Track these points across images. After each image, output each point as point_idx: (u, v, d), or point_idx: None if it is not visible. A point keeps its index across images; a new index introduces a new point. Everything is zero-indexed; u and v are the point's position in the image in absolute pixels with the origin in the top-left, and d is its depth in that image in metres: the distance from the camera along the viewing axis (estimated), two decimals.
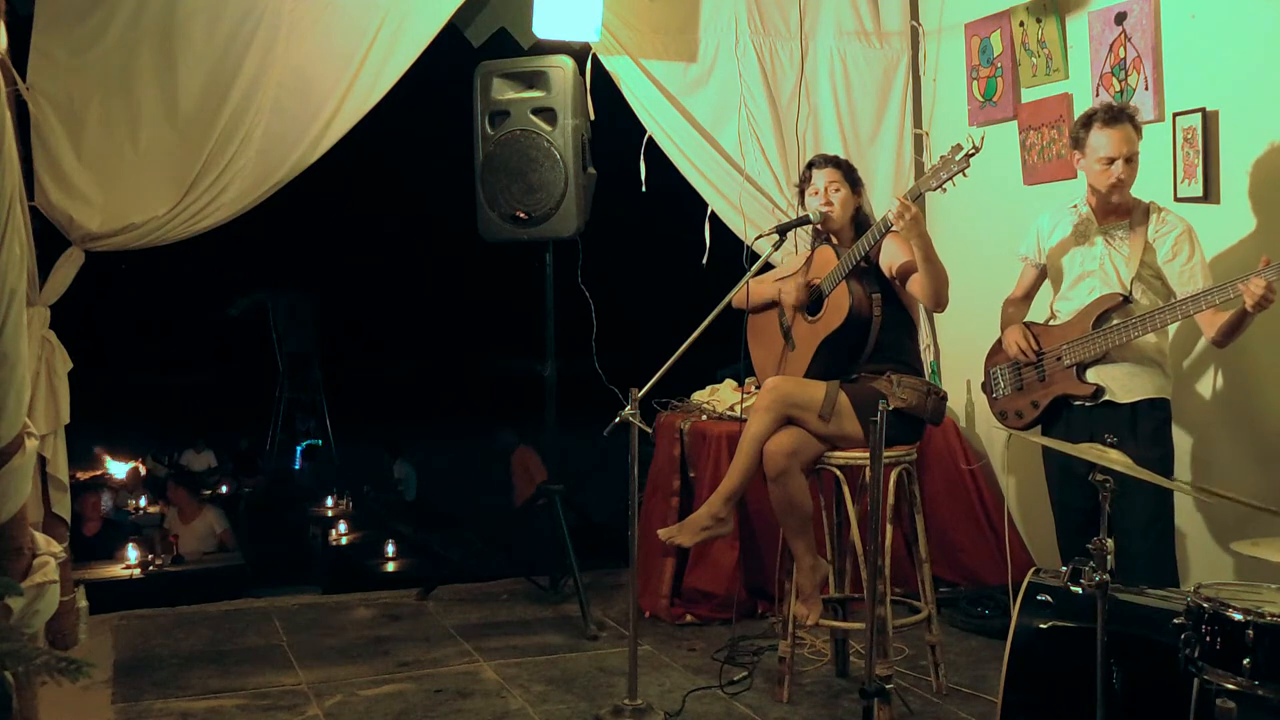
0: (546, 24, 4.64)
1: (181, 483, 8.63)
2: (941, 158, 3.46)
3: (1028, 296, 3.99)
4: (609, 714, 3.55)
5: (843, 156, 4.06)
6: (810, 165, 3.94)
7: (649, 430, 4.33)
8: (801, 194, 3.94)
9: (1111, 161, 3.54)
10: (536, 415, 5.12)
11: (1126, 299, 3.59)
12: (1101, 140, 3.55)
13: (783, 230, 3.93)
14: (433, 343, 26.12)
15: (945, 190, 3.51)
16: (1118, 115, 3.57)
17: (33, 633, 2.55)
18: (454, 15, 4.61)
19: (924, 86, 5.32)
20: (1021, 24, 4.70)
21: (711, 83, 5.11)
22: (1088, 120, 3.61)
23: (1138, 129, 3.59)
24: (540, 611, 4.78)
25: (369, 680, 3.95)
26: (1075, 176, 4.44)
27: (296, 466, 13.85)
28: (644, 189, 5.03)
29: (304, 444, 14.59)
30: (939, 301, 3.63)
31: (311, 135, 4.45)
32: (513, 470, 10.27)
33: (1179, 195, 3.96)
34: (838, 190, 3.83)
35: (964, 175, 3.44)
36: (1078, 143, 3.64)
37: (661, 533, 3.73)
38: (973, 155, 3.40)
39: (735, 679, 3.88)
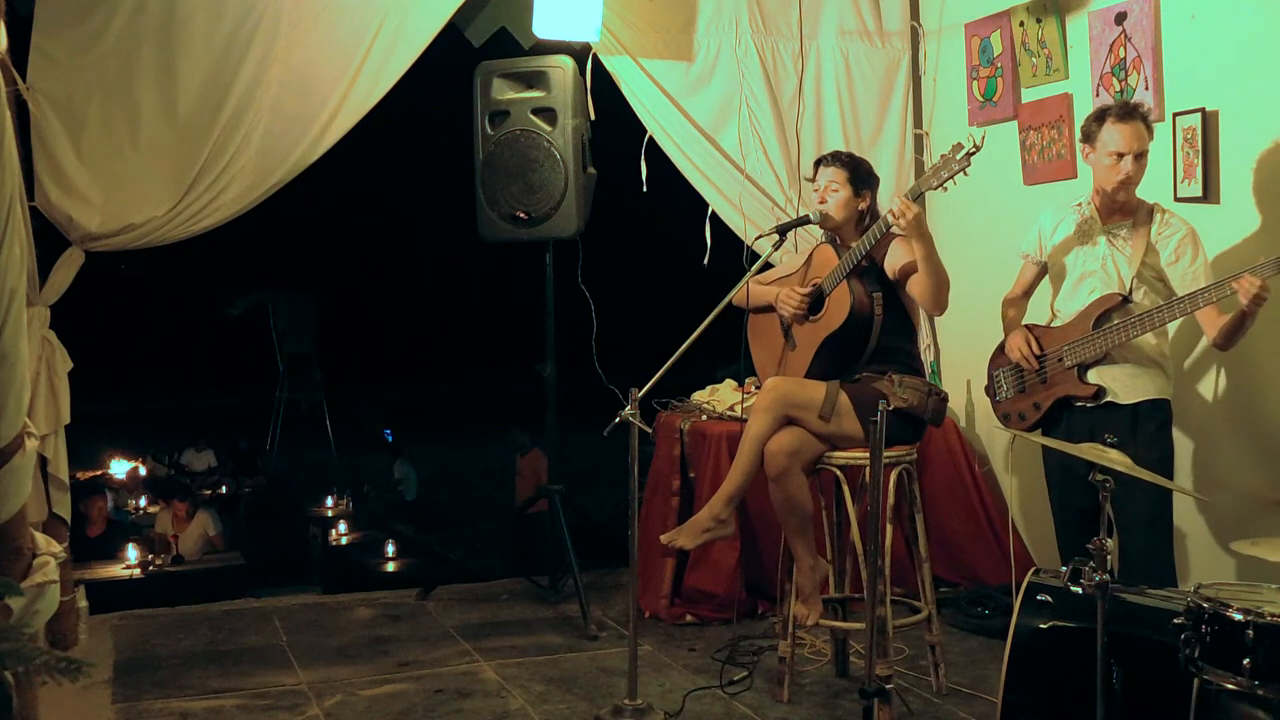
0: (546, 24, 4.64)
1: (184, 499, 8.61)
2: (942, 156, 3.46)
3: (1027, 294, 3.99)
4: (609, 714, 3.54)
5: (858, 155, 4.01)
6: (818, 162, 3.93)
7: (649, 430, 4.33)
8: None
9: (1121, 157, 3.54)
10: (538, 417, 5.12)
11: (1126, 299, 3.59)
12: (1113, 135, 3.55)
13: (783, 230, 3.92)
14: (432, 343, 26.13)
15: (946, 189, 3.51)
16: (1131, 112, 3.58)
17: (33, 633, 2.55)
18: (454, 15, 4.61)
19: (924, 86, 5.33)
20: (1021, 24, 4.70)
21: (713, 82, 5.11)
22: (1101, 115, 3.61)
23: (1149, 128, 3.60)
24: (540, 611, 4.78)
25: (369, 680, 3.95)
26: (1075, 176, 4.44)
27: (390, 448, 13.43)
28: (644, 189, 5.03)
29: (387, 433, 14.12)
30: (938, 303, 3.62)
31: (312, 135, 4.45)
32: (519, 472, 10.25)
33: (1179, 195, 3.96)
34: (835, 191, 3.82)
35: (965, 174, 3.44)
36: (1088, 137, 3.64)
37: (663, 537, 3.72)
38: (973, 154, 3.40)
39: (735, 679, 3.88)
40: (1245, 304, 3.31)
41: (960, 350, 5.16)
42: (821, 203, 3.83)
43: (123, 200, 4.23)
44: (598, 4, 4.68)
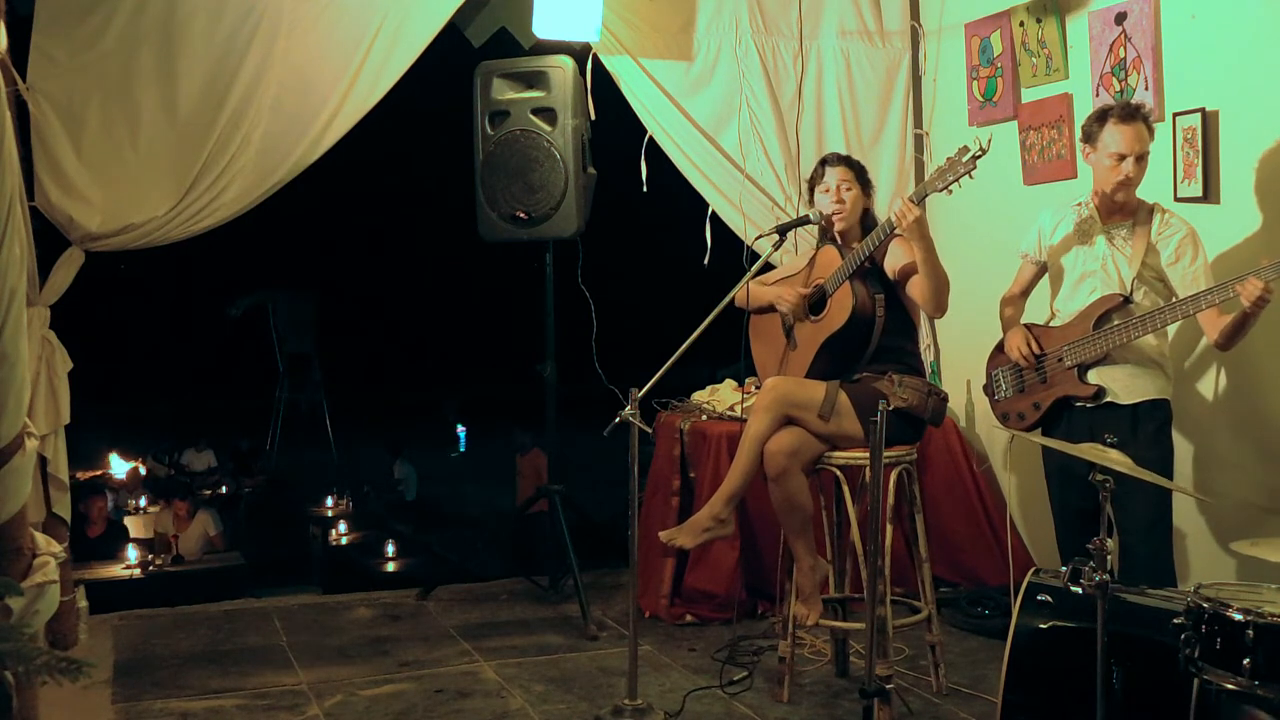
0: (546, 24, 4.64)
1: (184, 498, 8.63)
2: (949, 159, 3.45)
3: (1025, 293, 3.99)
4: (609, 714, 3.54)
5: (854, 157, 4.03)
6: (823, 162, 3.93)
7: (649, 430, 4.33)
8: (811, 191, 3.93)
9: (1123, 158, 3.54)
10: (538, 417, 5.13)
11: (1127, 300, 3.59)
12: (1115, 136, 3.55)
13: (783, 230, 3.93)
14: (432, 343, 26.13)
15: (951, 192, 3.50)
16: (1133, 113, 3.57)
17: (33, 633, 2.55)
18: (454, 15, 4.61)
19: (924, 86, 5.32)
20: (1021, 24, 4.70)
21: (713, 82, 5.11)
22: (1103, 115, 3.61)
23: (1150, 130, 3.60)
24: (540, 611, 4.78)
25: (369, 680, 3.95)
26: (1075, 176, 4.44)
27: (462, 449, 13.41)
28: (644, 189, 5.03)
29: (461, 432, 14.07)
30: (938, 306, 3.62)
31: (312, 135, 4.44)
32: (519, 472, 10.27)
33: (1179, 195, 3.96)
34: (849, 189, 3.83)
35: (970, 177, 3.43)
36: (1089, 137, 3.63)
37: (663, 535, 3.72)
38: (979, 157, 3.39)
39: (735, 679, 3.88)
40: (1248, 307, 3.31)
41: (960, 350, 5.15)
42: (838, 201, 3.83)
43: (123, 200, 4.22)
44: (598, 4, 4.68)
